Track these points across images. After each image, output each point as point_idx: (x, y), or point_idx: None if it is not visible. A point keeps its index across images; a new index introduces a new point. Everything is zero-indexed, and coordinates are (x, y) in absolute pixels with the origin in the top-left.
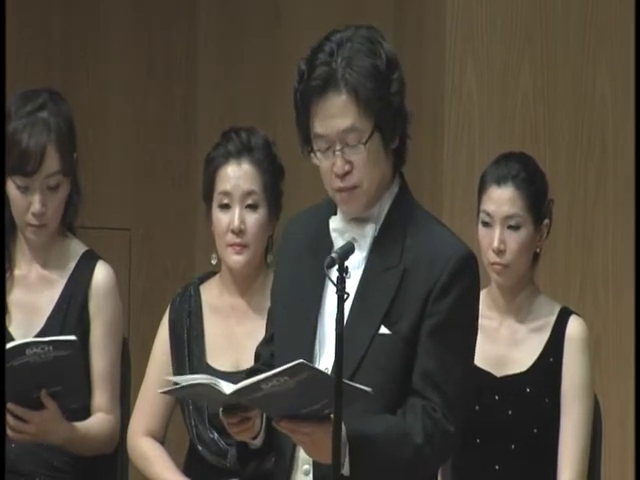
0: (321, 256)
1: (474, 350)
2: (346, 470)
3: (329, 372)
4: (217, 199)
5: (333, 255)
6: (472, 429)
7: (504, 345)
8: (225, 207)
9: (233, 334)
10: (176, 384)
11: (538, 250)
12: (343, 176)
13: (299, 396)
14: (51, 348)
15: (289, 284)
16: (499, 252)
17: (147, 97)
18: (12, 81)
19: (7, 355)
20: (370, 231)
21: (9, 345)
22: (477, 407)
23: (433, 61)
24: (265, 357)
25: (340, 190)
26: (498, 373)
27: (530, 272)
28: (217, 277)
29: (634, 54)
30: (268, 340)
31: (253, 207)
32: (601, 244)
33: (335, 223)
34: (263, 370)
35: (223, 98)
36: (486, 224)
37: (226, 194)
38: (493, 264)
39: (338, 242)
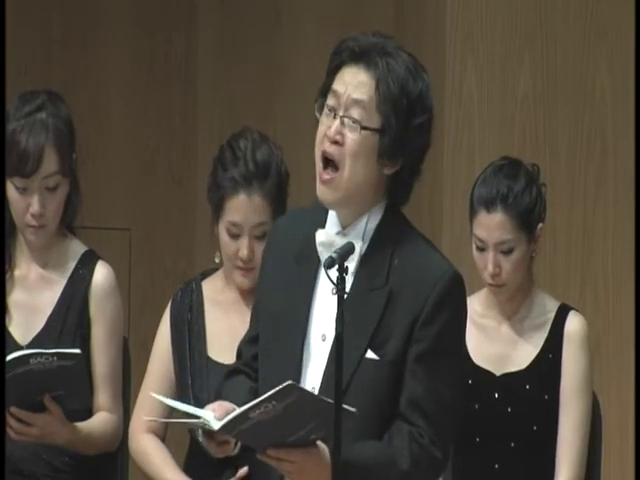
0: (307, 268)
1: (462, 374)
2: None
3: (316, 392)
4: (226, 224)
5: (333, 255)
6: (472, 427)
7: (504, 344)
8: (234, 236)
9: (235, 328)
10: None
11: (534, 254)
12: (332, 143)
13: (286, 422)
14: (55, 359)
15: (275, 288)
16: (495, 275)
17: (147, 97)
18: (12, 82)
19: (11, 364)
20: (357, 249)
21: (13, 355)
22: (476, 405)
23: (433, 61)
24: (247, 357)
25: (324, 160)
26: (498, 372)
27: (528, 274)
28: (219, 272)
29: (634, 54)
30: (252, 339)
31: (262, 237)
32: (601, 244)
33: (321, 237)
34: (243, 371)
35: (223, 98)
36: (480, 249)
37: (235, 225)
38: (490, 285)
39: (324, 255)
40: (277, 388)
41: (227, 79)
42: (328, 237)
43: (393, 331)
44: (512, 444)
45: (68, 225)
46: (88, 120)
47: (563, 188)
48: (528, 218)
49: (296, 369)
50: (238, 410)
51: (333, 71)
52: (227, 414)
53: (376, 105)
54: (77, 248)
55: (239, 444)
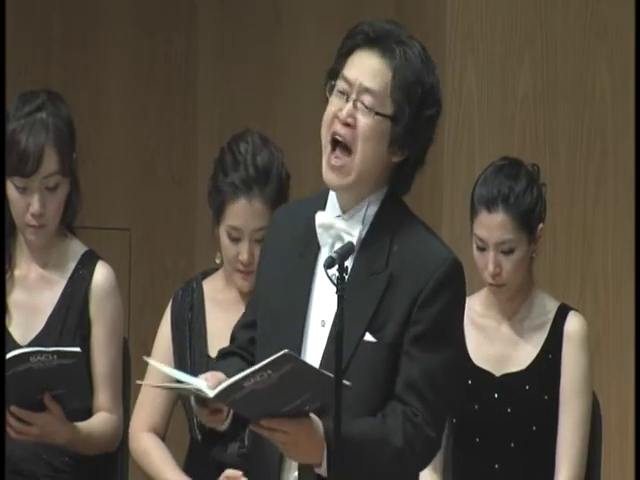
0: (307, 254)
1: (459, 358)
2: (324, 471)
3: None
4: (226, 228)
5: (333, 255)
6: (472, 427)
7: (504, 344)
8: (235, 239)
9: None
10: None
11: (534, 255)
12: (344, 125)
13: (281, 392)
14: (55, 357)
15: (274, 276)
16: (495, 275)
17: (147, 97)
18: (12, 82)
19: (11, 362)
20: (357, 232)
21: (13, 353)
22: (476, 406)
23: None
24: (242, 341)
25: (333, 142)
26: (498, 372)
27: (528, 274)
28: (220, 272)
29: (634, 54)
30: (247, 325)
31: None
32: (601, 244)
33: (321, 219)
34: (237, 353)
35: (223, 98)
36: (480, 248)
37: (236, 229)
38: (490, 284)
39: (323, 238)
40: (273, 357)
41: (227, 79)
42: (328, 219)
43: (392, 314)
44: (512, 444)
45: (68, 225)
46: (88, 120)
47: (563, 188)
48: (529, 218)
49: (295, 353)
50: (233, 379)
51: (345, 55)
52: (220, 384)
53: (390, 92)
54: (77, 248)
55: (230, 416)
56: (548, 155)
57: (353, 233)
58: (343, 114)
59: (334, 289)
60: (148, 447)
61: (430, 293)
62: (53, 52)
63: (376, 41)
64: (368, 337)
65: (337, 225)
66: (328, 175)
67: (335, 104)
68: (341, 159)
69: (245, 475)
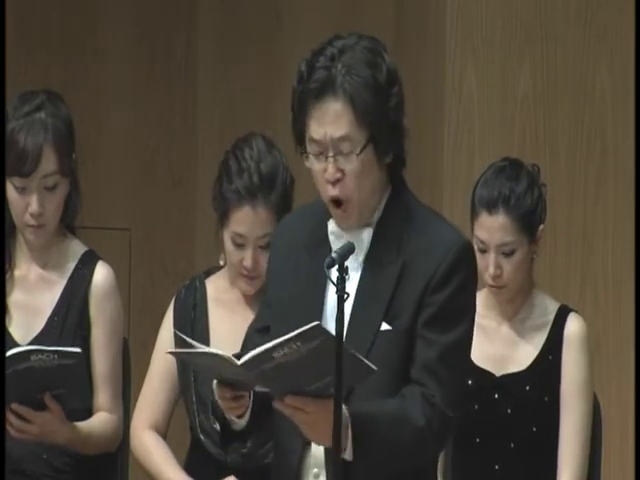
0: (319, 257)
1: (471, 338)
2: (349, 454)
3: None
4: (230, 234)
5: (333, 255)
6: (472, 428)
7: (504, 344)
8: (239, 245)
9: (238, 327)
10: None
11: (534, 256)
12: (334, 183)
13: (307, 368)
14: (56, 356)
15: (287, 283)
16: (496, 277)
17: (147, 97)
18: (12, 82)
19: (11, 360)
20: (367, 236)
21: (14, 351)
22: (476, 406)
23: (433, 61)
24: (257, 345)
25: (334, 202)
26: (498, 372)
27: (528, 275)
28: (223, 271)
29: (634, 54)
30: (263, 329)
31: (267, 247)
32: (601, 244)
33: (333, 226)
34: None
35: (223, 98)
36: (481, 250)
37: (240, 236)
38: (491, 286)
39: (336, 245)
40: (303, 328)
41: (227, 79)
42: (339, 229)
43: (406, 301)
44: (512, 445)
45: (68, 225)
46: (88, 120)
47: (563, 188)
48: (529, 220)
49: None
50: (262, 347)
51: (300, 113)
52: None
53: (359, 123)
54: (77, 248)
55: (249, 412)
56: (548, 155)
57: (364, 238)
58: (330, 176)
59: (349, 290)
60: (149, 446)
61: (441, 278)
62: (53, 52)
63: (322, 89)
64: (384, 326)
65: (348, 232)
66: (336, 220)
67: (317, 166)
68: (343, 206)
69: (246, 477)
